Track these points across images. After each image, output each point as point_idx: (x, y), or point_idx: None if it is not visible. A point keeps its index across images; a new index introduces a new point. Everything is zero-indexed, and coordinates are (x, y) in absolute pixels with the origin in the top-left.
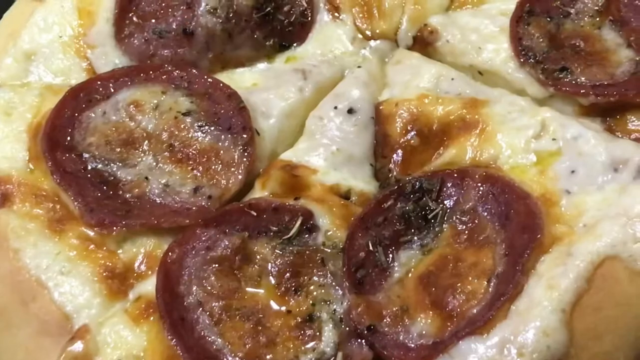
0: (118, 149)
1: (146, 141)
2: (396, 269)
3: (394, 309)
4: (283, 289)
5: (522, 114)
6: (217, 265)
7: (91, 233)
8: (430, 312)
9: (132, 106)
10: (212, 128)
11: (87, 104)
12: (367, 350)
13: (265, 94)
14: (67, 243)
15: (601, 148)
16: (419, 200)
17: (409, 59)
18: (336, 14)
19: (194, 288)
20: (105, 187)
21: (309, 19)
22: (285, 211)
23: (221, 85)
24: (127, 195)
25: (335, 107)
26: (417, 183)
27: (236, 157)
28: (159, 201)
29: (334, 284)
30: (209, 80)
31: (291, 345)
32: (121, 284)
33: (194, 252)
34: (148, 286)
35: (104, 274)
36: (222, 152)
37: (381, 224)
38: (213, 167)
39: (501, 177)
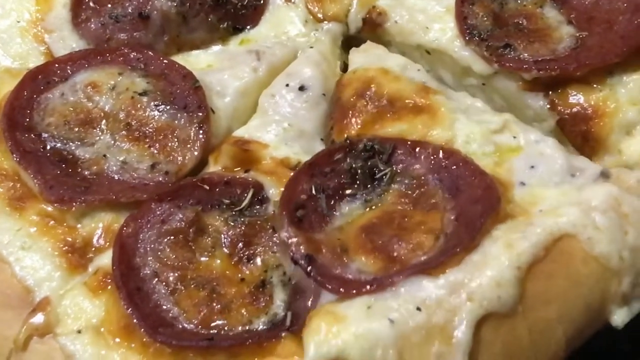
0: (76, 129)
1: (104, 120)
2: (337, 216)
3: (333, 247)
4: (236, 258)
5: (483, 112)
6: (171, 237)
7: (51, 209)
8: (372, 256)
9: (89, 87)
10: (168, 107)
11: (45, 86)
12: (311, 305)
13: (220, 74)
14: (27, 220)
15: (560, 154)
16: (368, 159)
17: (375, 49)
18: None
19: (150, 260)
20: (64, 165)
21: (262, 2)
22: (237, 184)
23: (177, 66)
24: (86, 173)
25: (287, 85)
26: (370, 143)
27: (192, 134)
28: (117, 178)
29: (284, 249)
30: (165, 61)
31: (244, 311)
32: (81, 257)
33: (149, 226)
34: (105, 259)
35: (64, 249)
36: (178, 130)
37: (327, 174)
38: (170, 144)
39: (456, 152)
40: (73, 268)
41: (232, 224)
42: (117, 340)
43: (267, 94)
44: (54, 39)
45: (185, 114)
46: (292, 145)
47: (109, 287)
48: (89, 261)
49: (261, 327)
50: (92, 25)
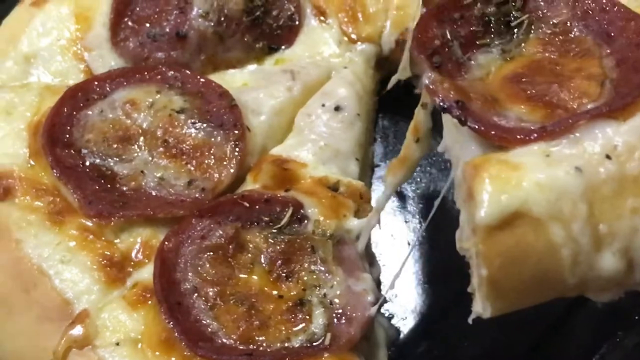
0: (115, 145)
1: (142, 137)
2: (474, 67)
3: (482, 95)
4: (275, 275)
5: None
6: (211, 253)
7: (90, 224)
8: (529, 104)
9: (128, 105)
10: (205, 125)
11: (85, 103)
12: (353, 330)
13: (255, 93)
14: (67, 234)
15: None
16: (500, 5)
17: None
18: (322, 19)
19: (190, 275)
20: (103, 181)
21: (297, 23)
22: (276, 202)
23: (213, 84)
24: (124, 188)
25: (323, 105)
26: None
27: (228, 152)
28: (154, 193)
29: (323, 269)
30: (202, 80)
31: (283, 328)
32: (119, 271)
33: (189, 241)
34: (144, 273)
35: (103, 263)
36: (214, 147)
37: (457, 21)
38: (206, 161)
39: None
40: (111, 282)
41: (272, 241)
42: (157, 353)
43: (303, 114)
44: (93, 57)
45: (221, 132)
46: (329, 164)
47: (149, 301)
48: (127, 275)
49: (299, 344)
50: (131, 44)
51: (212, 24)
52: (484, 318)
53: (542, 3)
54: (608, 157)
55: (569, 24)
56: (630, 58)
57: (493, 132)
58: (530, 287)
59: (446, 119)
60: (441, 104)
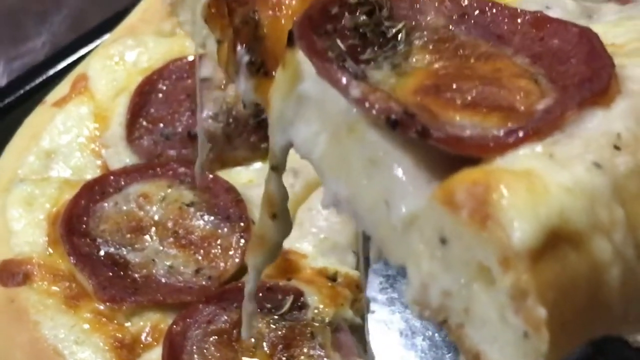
0: (128, 235)
1: (153, 228)
2: (373, 84)
3: (416, 105)
4: (276, 358)
5: None
6: (216, 337)
7: (103, 308)
8: (472, 112)
9: (141, 198)
10: (213, 217)
11: (101, 196)
12: None
13: (260, 189)
14: (81, 317)
15: None
16: (370, 14)
17: None
18: None
19: (196, 357)
20: (116, 268)
21: None
22: (278, 290)
23: (221, 180)
24: (136, 275)
25: None
26: None
27: (234, 242)
28: (164, 281)
29: (322, 354)
30: (210, 176)
31: None
32: (129, 353)
33: (196, 325)
34: (153, 355)
35: (114, 344)
36: (221, 238)
37: (332, 34)
38: (213, 251)
39: None
40: None
41: (274, 326)
42: None
43: (305, 208)
44: (109, 154)
45: (227, 224)
46: (328, 256)
47: None
48: (136, 356)
49: None
50: (145, 142)
51: (221, 125)
52: None
53: (408, 11)
54: (616, 147)
55: (451, 28)
56: (545, 53)
57: (469, 143)
58: (581, 324)
59: (321, 157)
60: (390, 117)
